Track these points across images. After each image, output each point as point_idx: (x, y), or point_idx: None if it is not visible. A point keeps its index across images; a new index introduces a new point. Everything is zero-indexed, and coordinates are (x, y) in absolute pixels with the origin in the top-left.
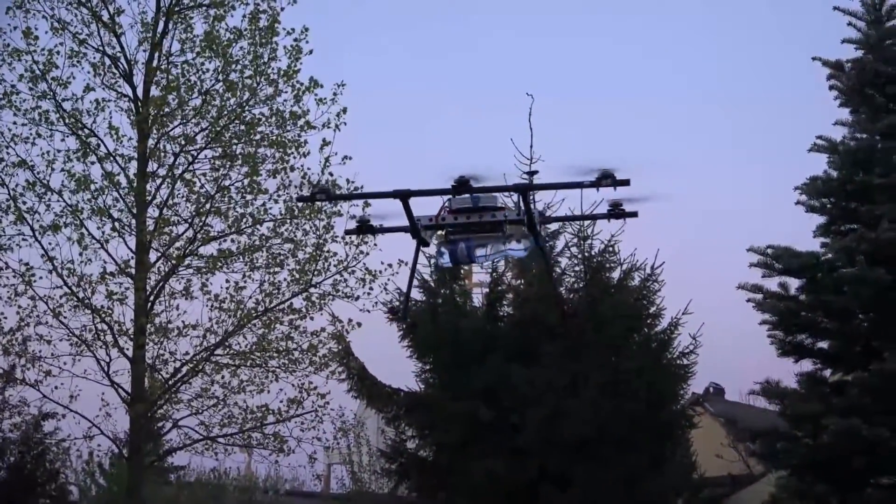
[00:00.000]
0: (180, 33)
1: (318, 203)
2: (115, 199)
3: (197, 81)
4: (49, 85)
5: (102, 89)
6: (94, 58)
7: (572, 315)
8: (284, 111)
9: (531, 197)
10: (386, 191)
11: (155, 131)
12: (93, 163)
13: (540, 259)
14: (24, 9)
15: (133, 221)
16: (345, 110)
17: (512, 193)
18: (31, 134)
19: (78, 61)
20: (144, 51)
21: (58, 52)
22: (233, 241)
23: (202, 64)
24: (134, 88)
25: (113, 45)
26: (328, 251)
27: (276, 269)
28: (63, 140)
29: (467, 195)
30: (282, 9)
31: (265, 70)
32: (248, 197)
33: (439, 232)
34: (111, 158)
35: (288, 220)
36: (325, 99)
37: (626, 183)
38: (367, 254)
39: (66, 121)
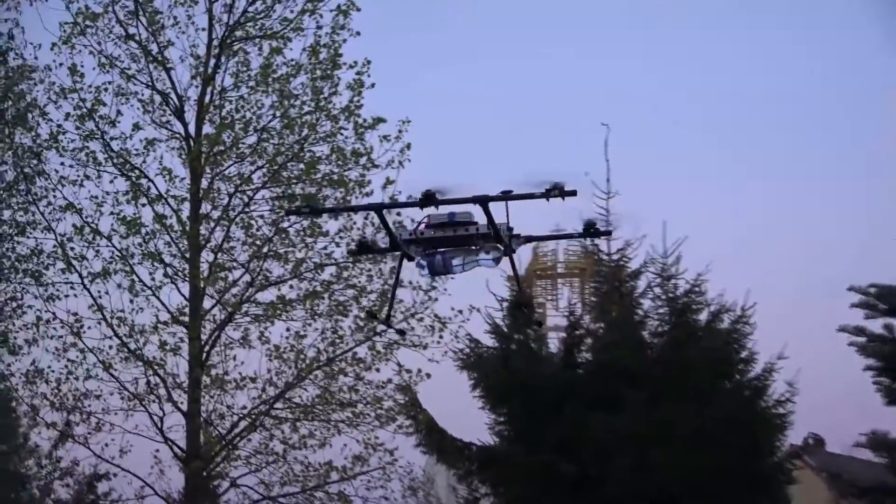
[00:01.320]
0: (234, 67)
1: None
2: (168, 244)
3: (253, 118)
4: (97, 124)
5: (153, 127)
6: (144, 94)
7: (656, 360)
8: (346, 149)
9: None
10: (363, 203)
11: (208, 170)
12: (143, 205)
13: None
14: (71, 45)
15: (186, 267)
16: (409, 146)
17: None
18: (78, 176)
19: (126, 98)
20: (196, 86)
21: (105, 90)
22: (292, 286)
23: (258, 100)
24: (185, 126)
25: (163, 81)
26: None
27: (340, 318)
28: (112, 182)
29: (447, 214)
30: (343, 41)
31: (325, 106)
32: (309, 240)
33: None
34: (163, 200)
35: (351, 265)
36: (388, 136)
37: (572, 194)
38: (436, 299)
39: (115, 161)
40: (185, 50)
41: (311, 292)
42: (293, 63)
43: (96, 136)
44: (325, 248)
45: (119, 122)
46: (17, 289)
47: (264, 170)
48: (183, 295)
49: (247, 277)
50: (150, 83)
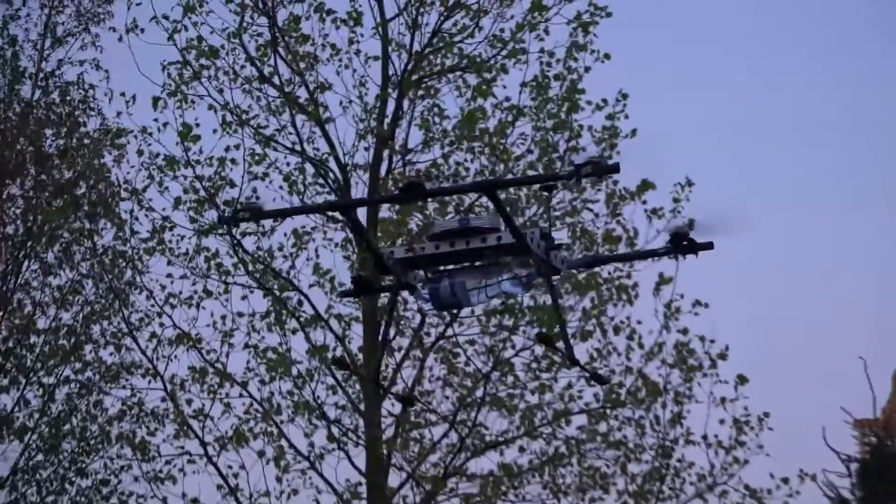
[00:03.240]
0: (422, 116)
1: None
2: (331, 388)
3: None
4: (221, 212)
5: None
6: (286, 164)
7: None
8: (595, 232)
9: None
10: (317, 203)
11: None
12: (293, 331)
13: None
14: (181, 95)
15: (360, 423)
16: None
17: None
18: (194, 292)
19: (265, 173)
20: (366, 148)
21: (231, 161)
22: (522, 449)
23: (459, 163)
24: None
25: (315, 142)
26: (679, 460)
27: (599, 496)
28: (244, 298)
29: (456, 219)
30: (586, 69)
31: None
32: (545, 376)
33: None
34: (321, 323)
35: (607, 409)
36: (660, 210)
37: (613, 170)
38: (747, 462)
39: (250, 268)
40: (348, 93)
41: (552, 457)
42: (508, 106)
43: (218, 231)
44: (567, 386)
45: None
46: (110, 466)
47: None
48: (357, 468)
49: (452, 437)
50: (296, 146)
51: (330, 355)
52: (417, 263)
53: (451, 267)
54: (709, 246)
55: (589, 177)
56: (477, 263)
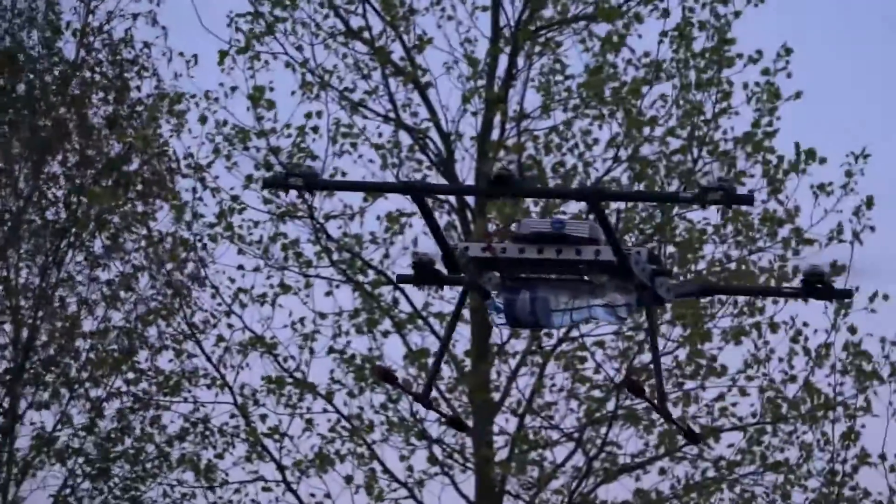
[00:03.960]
0: (540, 77)
1: None
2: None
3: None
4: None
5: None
6: (378, 134)
7: None
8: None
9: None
10: (389, 181)
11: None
12: (386, 333)
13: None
14: (252, 53)
15: (467, 442)
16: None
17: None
18: (268, 287)
19: (352, 144)
20: (473, 114)
21: (312, 130)
22: (662, 472)
23: (586, 130)
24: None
25: (413, 109)
26: (853, 487)
27: None
28: (329, 293)
29: (549, 220)
30: (736, 14)
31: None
32: (690, 384)
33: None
34: (420, 322)
35: (766, 425)
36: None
37: (747, 201)
38: None
39: (334, 258)
40: (452, 49)
41: (699, 482)
42: (645, 62)
43: (298, 212)
44: (718, 398)
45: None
46: (170, 494)
47: None
48: (464, 496)
49: (578, 459)
50: (389, 113)
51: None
52: (495, 265)
53: (534, 276)
54: (847, 294)
55: (715, 204)
56: (566, 277)
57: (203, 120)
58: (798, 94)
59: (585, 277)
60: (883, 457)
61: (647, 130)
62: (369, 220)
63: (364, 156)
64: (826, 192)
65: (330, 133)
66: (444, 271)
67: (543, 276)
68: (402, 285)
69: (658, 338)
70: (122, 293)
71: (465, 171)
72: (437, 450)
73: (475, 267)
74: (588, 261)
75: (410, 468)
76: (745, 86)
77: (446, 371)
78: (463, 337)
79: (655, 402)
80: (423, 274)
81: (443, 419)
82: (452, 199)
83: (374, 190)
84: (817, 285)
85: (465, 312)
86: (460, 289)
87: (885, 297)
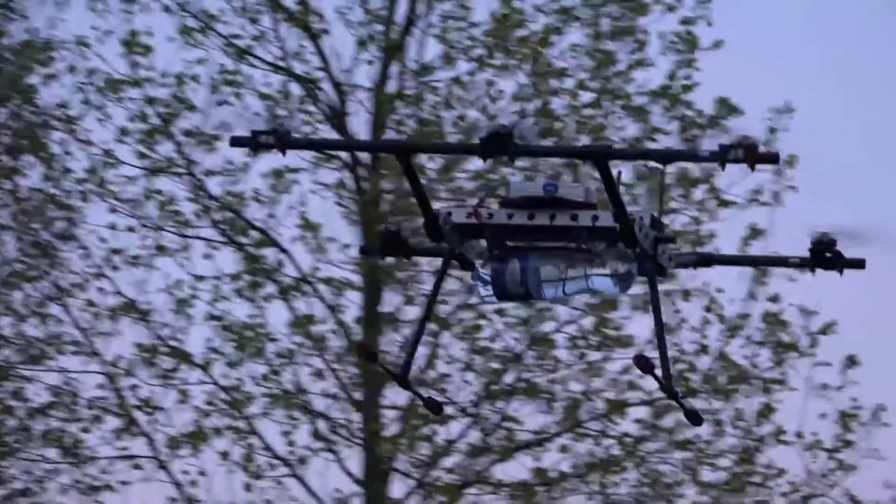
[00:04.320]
0: (443, 21)
1: None
2: (317, 373)
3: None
4: (179, 145)
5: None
6: (267, 84)
7: None
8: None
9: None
10: (374, 140)
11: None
12: (268, 298)
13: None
14: None
15: (358, 420)
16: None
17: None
18: (143, 248)
19: (236, 94)
20: (369, 62)
21: (192, 80)
22: (564, 450)
23: (492, 81)
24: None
25: (304, 57)
26: (767, 466)
27: None
28: (208, 256)
29: (541, 183)
30: None
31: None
32: (595, 356)
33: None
34: (307, 289)
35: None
36: None
37: (770, 159)
38: (854, 467)
39: (214, 218)
40: None
41: (603, 460)
42: (557, 8)
43: (175, 168)
44: (623, 371)
45: (221, 138)
46: (32, 471)
47: None
48: (350, 474)
49: (474, 435)
50: (279, 62)
51: (346, 342)
52: (480, 233)
53: (523, 245)
54: (860, 264)
55: (736, 163)
56: (559, 245)
57: (72, 69)
58: (718, 44)
59: (582, 245)
60: (800, 434)
61: (556, 83)
62: (253, 176)
63: (248, 109)
64: None
65: (212, 81)
66: (427, 240)
67: (534, 245)
68: (287, 249)
69: (661, 309)
70: None
71: (360, 125)
72: (322, 425)
73: (456, 234)
74: (587, 227)
75: (292, 444)
76: (662, 35)
77: (334, 341)
78: (353, 304)
79: (663, 381)
80: (392, 245)
81: (421, 401)
82: (345, 154)
83: (354, 149)
84: (826, 254)
85: (356, 278)
86: (438, 260)
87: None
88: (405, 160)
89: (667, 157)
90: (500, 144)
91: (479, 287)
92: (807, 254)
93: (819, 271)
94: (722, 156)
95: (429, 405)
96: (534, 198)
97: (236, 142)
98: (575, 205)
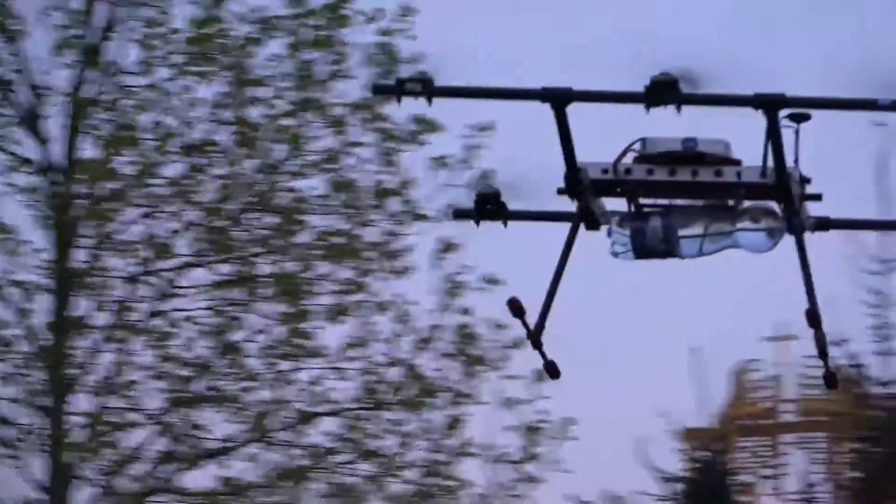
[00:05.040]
0: (143, 28)
1: None
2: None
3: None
4: None
5: None
6: None
7: None
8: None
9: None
10: (529, 88)
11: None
12: None
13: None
14: None
15: (45, 426)
16: None
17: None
18: None
19: None
20: (67, 66)
21: None
22: (252, 459)
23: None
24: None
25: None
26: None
27: None
28: None
29: (679, 139)
30: None
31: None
32: (285, 365)
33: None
34: None
35: (365, 411)
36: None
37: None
38: (538, 480)
39: None
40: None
41: (292, 469)
42: (259, 17)
43: None
44: (314, 382)
45: None
46: None
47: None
48: (36, 480)
49: (160, 442)
50: None
51: None
52: (616, 190)
53: (662, 202)
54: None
55: None
56: (701, 203)
57: None
58: (417, 58)
59: (728, 201)
60: (487, 447)
61: (254, 91)
62: None
63: None
64: (444, 164)
65: None
66: (558, 193)
67: (670, 202)
68: None
69: (811, 271)
70: None
71: (56, 128)
72: (6, 431)
73: (591, 191)
74: (731, 183)
75: None
76: (363, 47)
77: (23, 346)
78: (42, 308)
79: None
80: (488, 207)
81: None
82: (40, 158)
83: (506, 97)
84: (660, 93)
85: (48, 282)
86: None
87: (494, 282)
88: (560, 109)
89: (849, 105)
90: (665, 92)
91: (616, 245)
92: None
93: None
94: None
95: (548, 369)
96: (674, 153)
97: (379, 89)
98: (718, 160)
